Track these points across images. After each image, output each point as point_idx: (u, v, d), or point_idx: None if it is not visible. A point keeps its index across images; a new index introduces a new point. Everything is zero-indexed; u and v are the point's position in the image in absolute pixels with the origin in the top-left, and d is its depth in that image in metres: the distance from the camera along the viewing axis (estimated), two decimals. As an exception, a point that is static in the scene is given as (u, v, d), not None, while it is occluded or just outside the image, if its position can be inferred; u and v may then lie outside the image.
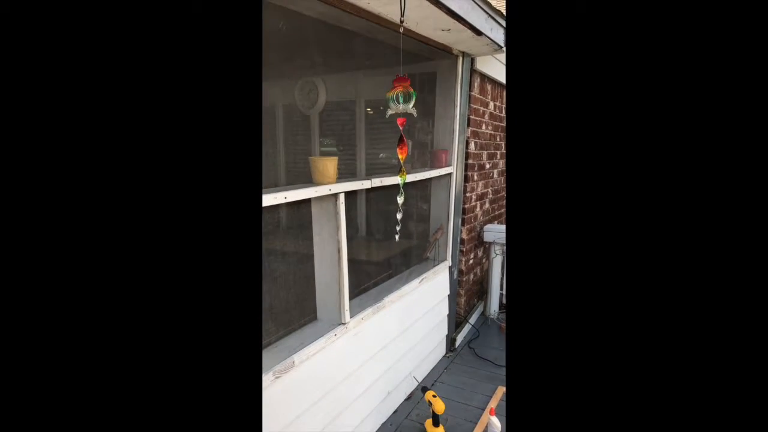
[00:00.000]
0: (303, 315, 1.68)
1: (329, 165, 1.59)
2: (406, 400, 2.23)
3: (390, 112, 1.38)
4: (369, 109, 3.07)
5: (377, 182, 1.79)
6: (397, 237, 1.52)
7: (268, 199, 1.31)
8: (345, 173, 2.87)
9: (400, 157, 1.38)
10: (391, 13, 1.58)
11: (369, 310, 1.82)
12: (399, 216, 1.48)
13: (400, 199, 1.47)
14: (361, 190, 1.72)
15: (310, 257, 1.69)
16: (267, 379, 1.31)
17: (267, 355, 1.41)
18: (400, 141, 1.36)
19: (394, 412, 2.13)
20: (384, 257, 2.34)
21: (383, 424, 2.04)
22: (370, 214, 2.45)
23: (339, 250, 1.62)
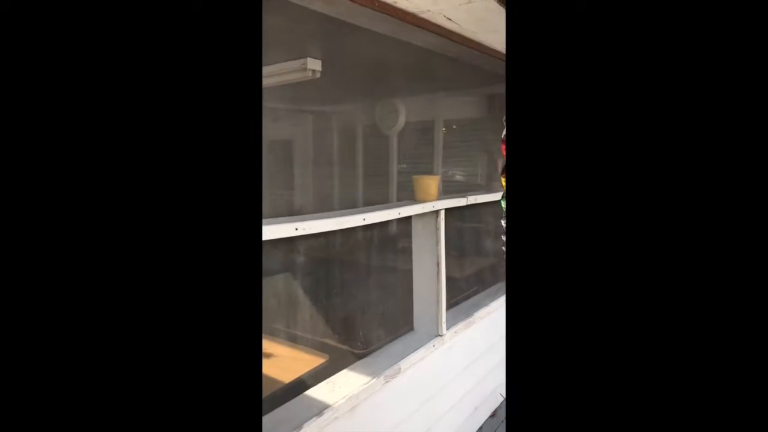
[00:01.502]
0: (404, 324, 1.77)
1: (432, 183, 1.68)
2: (490, 417, 2.22)
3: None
4: (444, 129, 3.15)
5: (472, 199, 1.86)
6: (503, 248, 1.54)
7: (383, 215, 1.42)
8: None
9: (504, 155, 1.39)
10: (495, 42, 1.67)
11: (461, 324, 1.87)
12: (503, 223, 1.48)
13: (504, 203, 1.46)
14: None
15: (410, 270, 1.78)
16: (378, 382, 1.40)
17: (376, 359, 1.51)
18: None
19: (480, 428, 2.13)
20: (469, 273, 2.39)
21: (470, 440, 2.05)
22: (455, 231, 2.51)
23: (438, 264, 1.70)
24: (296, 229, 1.08)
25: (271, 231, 1.03)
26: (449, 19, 1.46)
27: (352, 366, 1.46)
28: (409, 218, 1.74)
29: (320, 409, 1.21)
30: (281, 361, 1.44)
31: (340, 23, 1.42)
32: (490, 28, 1.56)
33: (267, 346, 1.49)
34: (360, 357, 1.54)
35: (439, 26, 1.50)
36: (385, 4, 1.29)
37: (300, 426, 1.13)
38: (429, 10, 1.38)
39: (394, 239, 1.86)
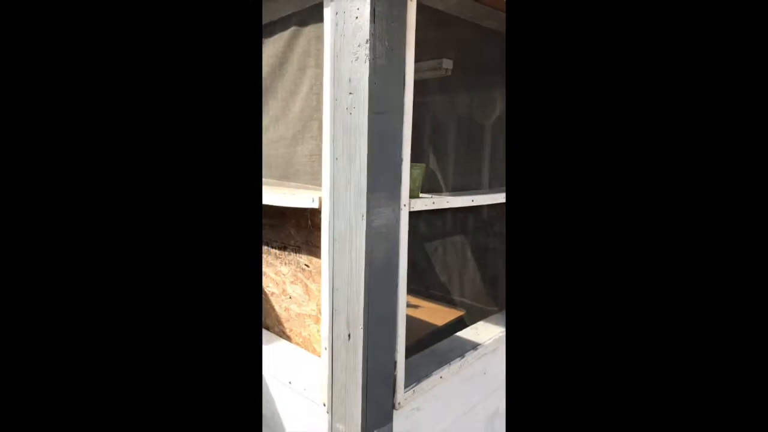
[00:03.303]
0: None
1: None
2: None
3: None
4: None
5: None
6: None
7: (498, 197, 1.69)
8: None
9: None
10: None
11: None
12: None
13: None
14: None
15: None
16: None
17: (501, 317, 1.80)
18: None
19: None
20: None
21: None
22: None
23: (556, 241, 1.95)
24: (472, 201, 1.39)
25: (455, 201, 1.35)
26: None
27: (488, 318, 1.77)
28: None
29: (474, 345, 1.53)
30: (431, 311, 1.78)
31: (476, 27, 1.69)
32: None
33: (417, 299, 1.85)
34: (492, 313, 1.84)
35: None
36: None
37: (463, 354, 1.45)
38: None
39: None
